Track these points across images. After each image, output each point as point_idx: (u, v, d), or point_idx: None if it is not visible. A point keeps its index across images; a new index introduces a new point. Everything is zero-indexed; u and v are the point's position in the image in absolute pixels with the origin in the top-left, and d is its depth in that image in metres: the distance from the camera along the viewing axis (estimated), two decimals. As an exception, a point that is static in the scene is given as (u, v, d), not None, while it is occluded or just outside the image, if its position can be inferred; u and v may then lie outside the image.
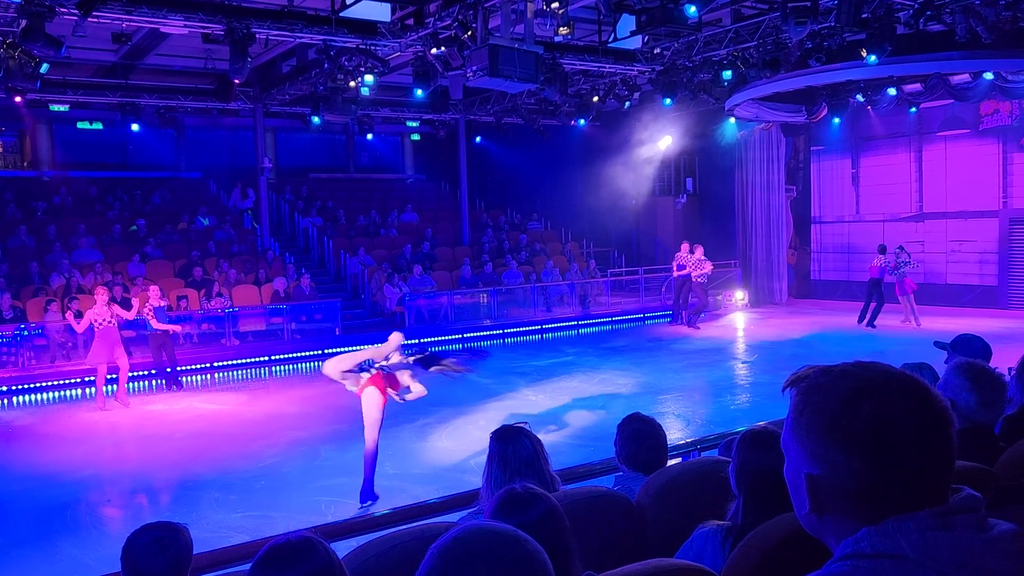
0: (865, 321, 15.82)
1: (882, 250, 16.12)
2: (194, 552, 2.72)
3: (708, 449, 4.45)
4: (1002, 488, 1.90)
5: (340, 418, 10.07)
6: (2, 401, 12.14)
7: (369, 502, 6.88)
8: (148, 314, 11.85)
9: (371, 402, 6.88)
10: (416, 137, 25.57)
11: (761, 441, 2.25)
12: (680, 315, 17.36)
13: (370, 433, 6.92)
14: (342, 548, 2.42)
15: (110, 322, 11.30)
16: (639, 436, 3.22)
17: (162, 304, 12.30)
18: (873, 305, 15.75)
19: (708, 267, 16.71)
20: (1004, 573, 1.02)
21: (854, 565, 1.03)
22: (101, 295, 11.46)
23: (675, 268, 17.14)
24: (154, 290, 12.35)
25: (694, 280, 16.66)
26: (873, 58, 12.36)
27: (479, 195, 24.01)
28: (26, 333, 13.19)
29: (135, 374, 12.32)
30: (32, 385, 12.55)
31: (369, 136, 22.19)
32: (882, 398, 1.06)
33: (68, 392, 12.53)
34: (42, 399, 12.35)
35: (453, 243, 21.18)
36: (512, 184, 24.21)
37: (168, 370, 12.46)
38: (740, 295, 18.68)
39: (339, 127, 22.41)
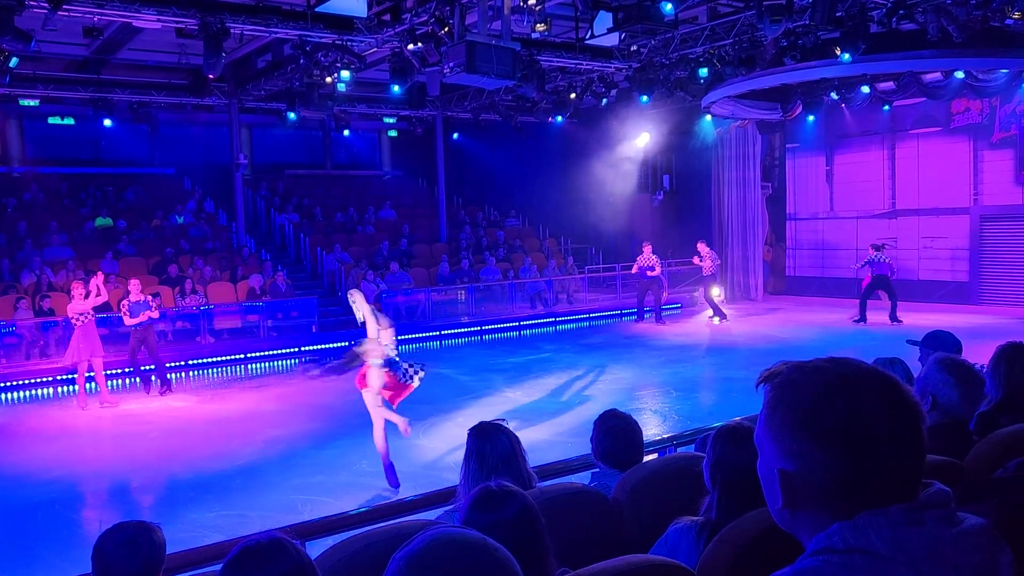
0: (888, 316, 15.52)
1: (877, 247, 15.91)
2: (168, 552, 2.68)
3: (684, 445, 4.47)
4: (972, 482, 1.92)
5: (317, 416, 10.03)
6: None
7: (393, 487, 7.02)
8: (123, 311, 11.31)
9: (368, 400, 7.11)
10: (393, 134, 25.42)
11: (736, 437, 2.26)
12: (642, 314, 17.62)
13: (377, 428, 7.09)
14: (318, 547, 2.41)
15: (91, 317, 10.95)
16: (615, 432, 3.23)
17: (141, 299, 11.36)
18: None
19: (717, 261, 17.82)
20: (973, 566, 1.03)
21: (826, 560, 1.04)
22: (77, 289, 10.95)
23: (636, 269, 17.24)
24: (134, 283, 11.58)
25: (705, 273, 17.50)
26: (847, 56, 12.49)
27: (457, 192, 23.94)
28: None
29: (107, 372, 11.86)
30: (3, 384, 12.35)
31: (346, 132, 22.00)
32: (855, 394, 1.07)
33: (40, 391, 12.33)
34: (13, 398, 12.16)
35: (431, 240, 21.12)
36: (490, 181, 24.16)
37: (144, 368, 11.64)
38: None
39: (315, 123, 22.25)
